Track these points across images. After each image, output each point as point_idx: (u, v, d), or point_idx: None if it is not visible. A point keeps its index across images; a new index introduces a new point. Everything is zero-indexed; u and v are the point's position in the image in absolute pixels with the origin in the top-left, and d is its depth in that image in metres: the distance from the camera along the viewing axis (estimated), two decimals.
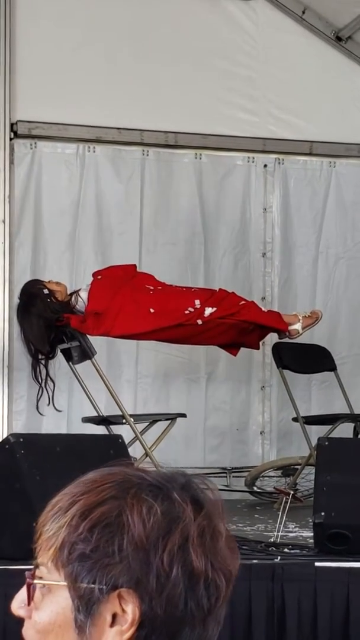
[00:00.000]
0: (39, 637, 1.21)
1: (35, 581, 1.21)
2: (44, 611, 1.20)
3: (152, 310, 4.83)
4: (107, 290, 4.92)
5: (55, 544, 1.20)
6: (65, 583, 1.19)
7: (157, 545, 1.17)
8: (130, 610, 1.16)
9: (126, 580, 1.16)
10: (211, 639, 1.24)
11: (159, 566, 1.17)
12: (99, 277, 5.08)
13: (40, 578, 1.21)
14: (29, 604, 1.22)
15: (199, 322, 4.82)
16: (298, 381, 6.36)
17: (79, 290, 5.03)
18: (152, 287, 4.97)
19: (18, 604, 1.23)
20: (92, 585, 1.17)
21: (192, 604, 1.18)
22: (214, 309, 4.84)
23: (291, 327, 4.96)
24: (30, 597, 1.22)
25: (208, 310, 4.83)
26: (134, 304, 4.85)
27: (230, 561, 1.22)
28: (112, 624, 1.17)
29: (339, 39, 6.60)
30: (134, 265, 5.27)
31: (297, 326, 4.97)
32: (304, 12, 6.56)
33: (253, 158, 6.40)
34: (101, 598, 1.17)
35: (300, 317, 4.97)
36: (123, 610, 1.16)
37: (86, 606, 1.17)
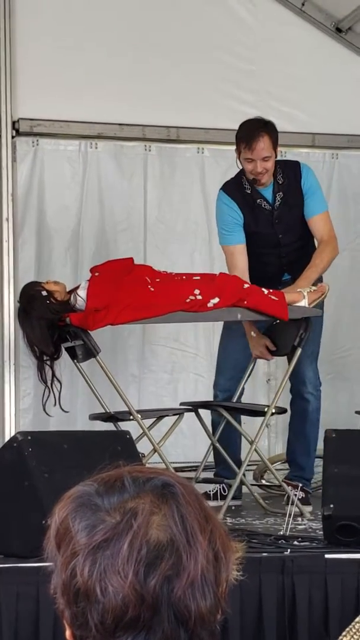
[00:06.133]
0: None
1: None
2: None
3: (152, 302, 4.84)
4: (106, 286, 4.92)
5: None
6: None
7: (57, 556, 1.21)
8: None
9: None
10: None
11: (61, 576, 1.20)
12: (97, 273, 5.08)
13: None
14: None
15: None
16: None
17: (78, 289, 5.02)
18: (150, 280, 4.97)
19: None
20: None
21: (82, 619, 1.19)
22: (218, 299, 4.85)
23: (298, 305, 4.99)
24: None
25: (212, 302, 4.84)
26: (134, 297, 4.86)
27: (135, 579, 1.16)
28: None
29: (339, 30, 6.59)
30: (131, 259, 5.27)
31: (303, 303, 4.99)
32: (303, 4, 6.55)
33: None
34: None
35: (305, 293, 4.99)
36: None
37: None
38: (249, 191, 5.21)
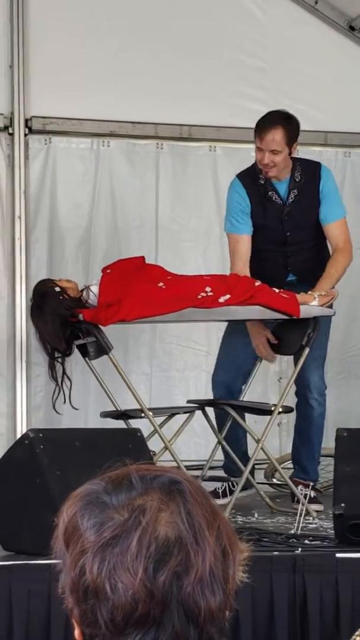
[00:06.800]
0: None
1: None
2: None
3: (164, 298, 4.84)
4: (118, 282, 4.93)
5: None
6: None
7: (65, 554, 1.22)
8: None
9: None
10: None
11: (70, 574, 1.20)
12: (109, 271, 5.09)
13: None
14: None
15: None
16: None
17: (90, 285, 5.04)
18: (161, 278, 4.97)
19: None
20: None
21: (91, 617, 1.19)
22: (229, 295, 4.85)
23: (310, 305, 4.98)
24: None
25: (222, 298, 4.84)
26: (145, 293, 4.86)
27: (144, 576, 1.16)
28: None
29: (352, 28, 6.58)
30: (142, 257, 5.27)
31: (314, 303, 4.98)
32: (316, 2, 6.54)
33: None
34: None
35: (316, 296, 4.98)
36: None
37: None
38: (262, 182, 5.14)
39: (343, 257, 5.10)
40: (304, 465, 5.18)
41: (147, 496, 1.19)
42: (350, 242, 5.18)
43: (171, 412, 5.24)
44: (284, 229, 5.16)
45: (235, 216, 5.18)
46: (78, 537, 1.19)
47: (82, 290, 5.04)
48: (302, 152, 6.44)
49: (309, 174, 5.14)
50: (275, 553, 3.66)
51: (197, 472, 5.20)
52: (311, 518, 4.58)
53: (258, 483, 5.35)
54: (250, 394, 6.27)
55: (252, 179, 5.16)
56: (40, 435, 3.75)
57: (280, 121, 5.06)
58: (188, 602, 1.16)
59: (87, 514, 1.20)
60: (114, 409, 5.06)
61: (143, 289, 4.88)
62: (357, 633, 1.66)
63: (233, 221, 5.20)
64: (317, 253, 5.19)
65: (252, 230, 5.17)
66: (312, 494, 4.87)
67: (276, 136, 5.00)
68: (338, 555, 3.66)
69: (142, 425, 4.65)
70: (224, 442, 5.17)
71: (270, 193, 5.14)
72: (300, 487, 4.92)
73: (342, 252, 5.10)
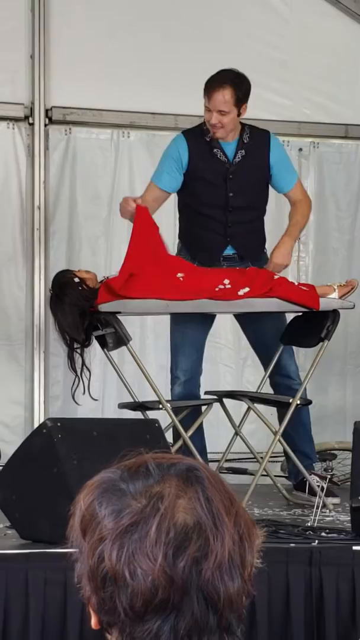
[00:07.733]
0: None
1: None
2: None
3: (181, 289, 4.84)
4: (143, 252, 4.93)
5: None
6: None
7: (82, 543, 1.22)
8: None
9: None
10: None
11: (88, 562, 1.21)
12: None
13: None
14: None
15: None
16: (332, 367, 6.36)
17: (109, 276, 5.04)
18: (181, 270, 4.96)
19: None
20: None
21: (110, 604, 1.19)
22: (248, 288, 4.84)
23: (328, 297, 4.97)
24: None
25: (242, 291, 4.84)
26: (163, 283, 4.86)
27: (164, 562, 1.17)
28: None
29: None
30: (164, 246, 5.26)
31: (334, 295, 4.97)
32: None
33: (288, 142, 6.37)
34: None
35: (336, 287, 4.97)
36: None
37: None
38: (208, 139, 5.05)
39: (305, 205, 5.15)
40: (303, 451, 5.17)
41: (164, 483, 1.20)
42: (309, 197, 5.22)
43: (189, 404, 5.24)
44: (227, 189, 5.04)
45: (165, 169, 5.07)
46: (96, 524, 1.20)
47: (101, 282, 5.04)
48: (322, 144, 6.45)
49: (257, 139, 5.08)
50: (292, 545, 3.66)
51: (213, 464, 5.20)
52: (328, 511, 4.57)
53: (275, 476, 5.35)
54: (267, 386, 6.27)
55: (197, 137, 5.06)
56: (58, 424, 3.76)
57: (230, 81, 4.95)
58: (207, 588, 1.17)
59: (105, 502, 1.20)
60: (132, 400, 5.06)
61: (162, 281, 4.88)
62: None
63: (159, 173, 5.10)
64: (258, 229, 5.17)
65: (173, 189, 5.08)
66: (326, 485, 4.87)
67: (224, 96, 4.91)
68: (355, 548, 3.65)
69: (159, 417, 4.65)
70: (241, 434, 5.18)
71: (215, 150, 5.04)
72: (315, 478, 4.92)
73: (303, 202, 5.15)
